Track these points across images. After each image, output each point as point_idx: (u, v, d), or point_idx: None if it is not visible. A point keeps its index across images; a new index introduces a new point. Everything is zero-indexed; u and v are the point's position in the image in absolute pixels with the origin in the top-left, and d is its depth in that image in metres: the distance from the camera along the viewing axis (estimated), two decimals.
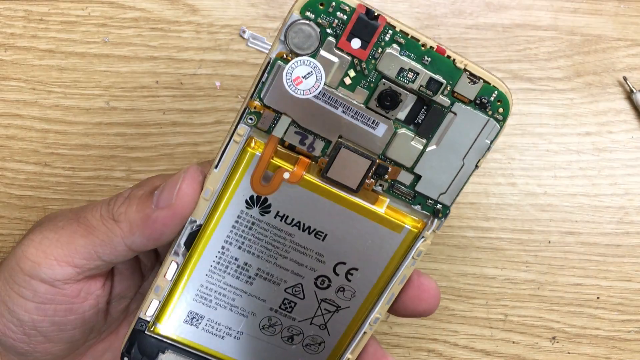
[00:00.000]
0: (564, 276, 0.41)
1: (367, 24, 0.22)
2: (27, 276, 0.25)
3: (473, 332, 0.41)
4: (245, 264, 0.26)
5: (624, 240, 0.41)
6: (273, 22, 0.41)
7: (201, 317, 0.27)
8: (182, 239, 0.25)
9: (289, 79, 0.22)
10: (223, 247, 0.26)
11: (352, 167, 0.24)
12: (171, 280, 0.26)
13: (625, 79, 0.42)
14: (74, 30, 0.39)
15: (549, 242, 0.41)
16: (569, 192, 0.41)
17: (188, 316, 0.27)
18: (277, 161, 0.24)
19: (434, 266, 0.41)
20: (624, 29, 0.43)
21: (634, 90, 0.42)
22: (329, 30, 0.22)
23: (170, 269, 0.26)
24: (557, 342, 0.41)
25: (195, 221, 0.25)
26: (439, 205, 0.25)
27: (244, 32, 0.40)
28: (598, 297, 0.41)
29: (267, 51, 0.40)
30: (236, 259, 0.26)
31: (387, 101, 0.23)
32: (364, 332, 0.28)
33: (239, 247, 0.26)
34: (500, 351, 0.41)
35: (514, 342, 0.41)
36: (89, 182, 0.39)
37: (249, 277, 0.26)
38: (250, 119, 0.23)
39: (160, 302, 0.26)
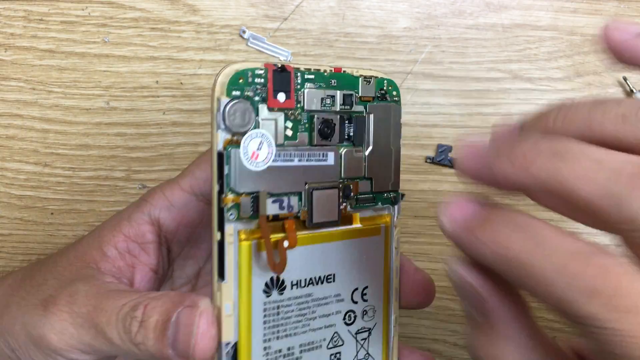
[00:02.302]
0: None
1: (282, 77, 0.23)
2: (52, 352, 0.26)
3: None
4: (289, 348, 0.26)
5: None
6: (273, 22, 0.41)
7: None
8: None
9: (247, 158, 0.23)
10: (265, 348, 0.25)
11: (327, 203, 0.26)
12: None
13: (625, 79, 0.42)
14: (74, 30, 0.39)
15: None
16: None
17: None
18: (272, 236, 0.24)
19: (434, 266, 0.41)
20: None
21: (634, 90, 0.42)
22: (256, 98, 0.23)
23: None
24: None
25: (228, 343, 0.24)
26: (392, 194, 0.28)
27: (244, 32, 0.40)
28: None
29: (267, 51, 0.40)
30: (279, 350, 0.26)
31: (326, 131, 0.25)
32: (392, 337, 0.29)
33: (277, 338, 0.25)
34: None
35: None
36: (89, 182, 0.39)
37: (296, 357, 0.26)
38: (231, 214, 0.23)
39: None
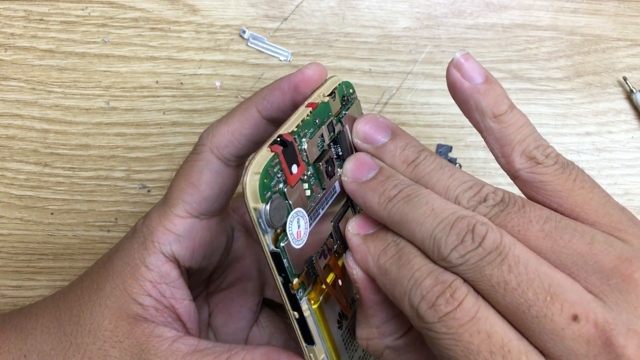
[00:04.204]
0: None
1: (287, 151, 0.24)
2: None
3: None
4: (364, 350, 0.29)
5: None
6: (273, 22, 0.41)
7: None
8: None
9: (295, 242, 0.24)
10: None
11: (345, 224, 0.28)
12: None
13: (625, 79, 0.42)
14: (74, 30, 0.39)
15: None
16: None
17: None
18: (329, 281, 0.27)
19: None
20: (624, 29, 0.43)
21: (634, 90, 0.42)
22: (281, 186, 0.24)
23: None
24: None
25: None
26: None
27: (244, 32, 0.40)
28: None
29: (267, 51, 0.40)
30: (359, 357, 0.29)
31: (329, 169, 0.27)
32: None
33: (356, 350, 0.29)
34: None
35: None
36: (89, 182, 0.39)
37: (365, 354, 0.30)
38: (300, 292, 0.25)
39: None
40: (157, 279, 0.28)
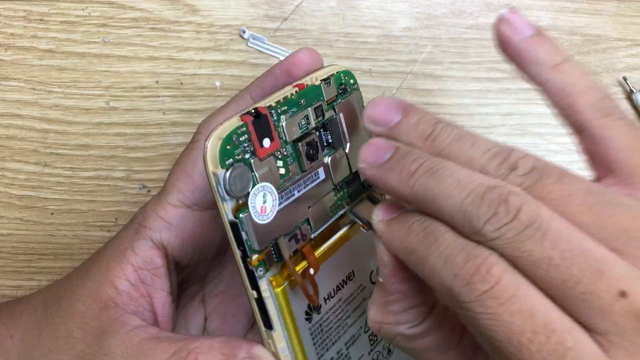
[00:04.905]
0: None
1: (261, 123, 0.24)
2: None
3: None
4: (338, 352, 0.28)
5: None
6: (273, 22, 0.41)
7: None
8: None
9: (258, 216, 0.24)
10: None
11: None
12: None
13: (625, 79, 0.42)
14: (74, 30, 0.39)
15: None
16: None
17: None
18: (298, 269, 0.26)
19: None
20: (624, 29, 0.43)
21: (634, 90, 0.42)
22: (247, 156, 0.23)
23: None
24: None
25: None
26: None
27: (244, 32, 0.40)
28: None
29: (267, 51, 0.40)
30: (332, 358, 0.28)
31: (312, 153, 0.26)
32: None
33: (327, 349, 0.28)
34: None
35: None
36: (89, 182, 0.39)
37: (347, 356, 0.29)
38: (260, 271, 0.24)
39: None
40: (140, 264, 0.28)
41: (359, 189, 0.29)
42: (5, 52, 0.39)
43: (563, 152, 0.42)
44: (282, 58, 0.40)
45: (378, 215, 0.24)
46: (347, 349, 0.29)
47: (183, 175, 0.29)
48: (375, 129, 0.25)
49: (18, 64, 0.39)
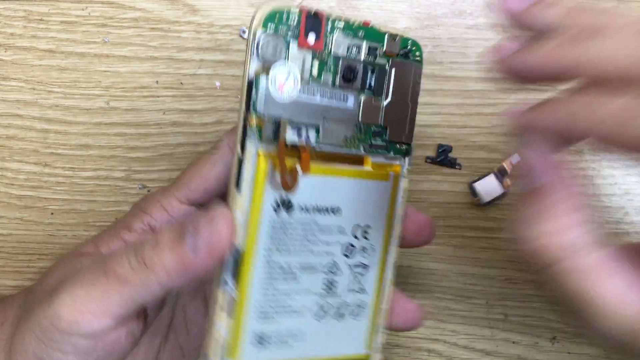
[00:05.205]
0: None
1: (314, 21, 0.26)
2: (65, 334, 0.25)
3: (473, 332, 0.41)
4: (289, 265, 0.27)
5: (623, 240, 0.41)
6: None
7: (267, 335, 0.27)
8: (229, 270, 0.26)
9: (274, 87, 0.25)
10: (268, 261, 0.27)
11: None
12: (228, 312, 0.26)
13: None
14: (74, 30, 0.39)
15: None
16: None
17: (256, 340, 0.27)
18: (287, 160, 0.26)
19: (434, 266, 0.41)
20: None
21: None
22: (289, 35, 0.25)
23: (224, 301, 0.26)
24: (558, 342, 0.41)
25: (236, 249, 0.26)
26: (405, 146, 0.30)
27: (244, 32, 0.40)
28: None
29: None
30: (281, 266, 0.27)
31: (349, 76, 0.27)
32: (388, 278, 0.30)
33: (279, 251, 0.27)
34: (501, 351, 0.41)
35: (514, 342, 0.41)
36: (89, 182, 0.39)
37: (294, 276, 0.28)
38: (252, 136, 0.25)
39: (224, 337, 0.26)
40: (132, 243, 0.28)
41: (381, 145, 0.29)
42: (5, 52, 0.39)
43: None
44: None
45: (512, 115, 0.23)
46: (299, 270, 0.28)
47: (197, 175, 0.29)
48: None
49: (18, 64, 0.39)
